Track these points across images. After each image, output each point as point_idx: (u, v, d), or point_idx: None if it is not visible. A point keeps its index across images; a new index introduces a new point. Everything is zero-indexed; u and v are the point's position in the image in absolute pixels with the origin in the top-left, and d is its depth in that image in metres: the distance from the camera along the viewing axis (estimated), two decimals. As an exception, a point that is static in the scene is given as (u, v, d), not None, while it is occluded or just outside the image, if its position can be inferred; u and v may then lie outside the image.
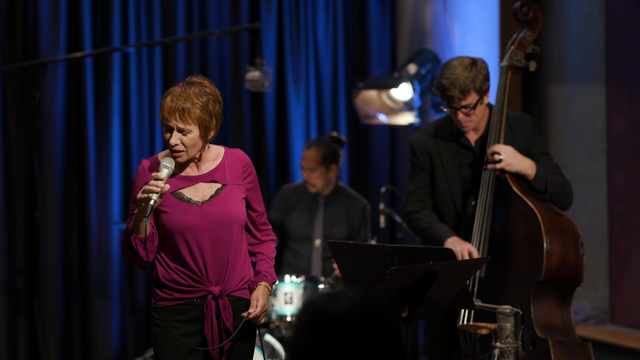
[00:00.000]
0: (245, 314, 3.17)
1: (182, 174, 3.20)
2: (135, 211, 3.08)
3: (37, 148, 5.49)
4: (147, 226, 3.06)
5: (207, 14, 6.19)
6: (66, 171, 5.86)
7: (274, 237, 3.37)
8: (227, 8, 6.22)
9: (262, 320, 3.22)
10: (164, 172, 3.07)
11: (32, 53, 5.78)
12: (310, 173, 5.39)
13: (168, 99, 3.12)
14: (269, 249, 3.33)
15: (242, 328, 3.19)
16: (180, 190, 3.17)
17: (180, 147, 3.11)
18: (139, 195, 3.04)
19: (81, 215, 5.88)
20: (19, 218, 5.75)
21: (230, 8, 6.23)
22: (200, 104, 3.11)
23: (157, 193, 3.02)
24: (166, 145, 3.17)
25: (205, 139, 3.16)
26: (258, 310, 3.16)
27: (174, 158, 3.13)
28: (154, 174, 3.07)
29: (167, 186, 3.07)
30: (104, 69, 5.94)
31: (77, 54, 5.63)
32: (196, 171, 3.21)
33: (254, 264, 3.28)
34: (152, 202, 3.02)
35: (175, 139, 3.11)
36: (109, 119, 5.92)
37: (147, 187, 3.03)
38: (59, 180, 5.82)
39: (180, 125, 3.09)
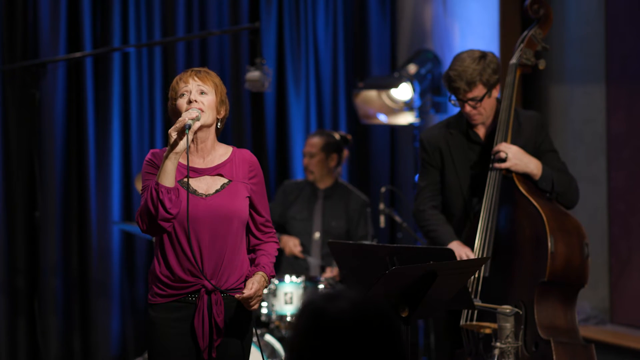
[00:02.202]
0: (237, 295, 3.13)
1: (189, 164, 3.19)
2: (165, 152, 3.05)
3: (37, 148, 5.49)
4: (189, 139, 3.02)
5: (207, 14, 6.19)
6: (66, 171, 5.86)
7: (277, 240, 3.36)
8: (227, 8, 6.22)
9: (255, 306, 3.16)
10: (195, 106, 3.10)
11: (32, 53, 5.78)
12: (310, 159, 5.42)
13: (183, 72, 3.19)
14: (271, 248, 3.31)
15: (234, 325, 3.17)
16: (186, 179, 3.15)
17: (200, 105, 3.12)
18: (172, 129, 3.01)
19: (81, 215, 5.88)
20: (19, 218, 5.75)
21: (230, 8, 6.23)
22: (216, 76, 3.21)
23: (192, 119, 3.03)
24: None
25: (218, 114, 3.17)
26: (252, 291, 3.11)
27: None
28: (184, 112, 3.08)
29: (199, 123, 3.07)
30: (104, 69, 5.94)
31: (77, 54, 5.63)
32: (202, 164, 3.20)
33: (254, 260, 3.27)
34: (189, 122, 3.00)
35: (194, 95, 3.13)
36: (109, 119, 5.92)
37: (180, 118, 3.04)
38: (59, 180, 5.82)
39: (199, 83, 3.13)
